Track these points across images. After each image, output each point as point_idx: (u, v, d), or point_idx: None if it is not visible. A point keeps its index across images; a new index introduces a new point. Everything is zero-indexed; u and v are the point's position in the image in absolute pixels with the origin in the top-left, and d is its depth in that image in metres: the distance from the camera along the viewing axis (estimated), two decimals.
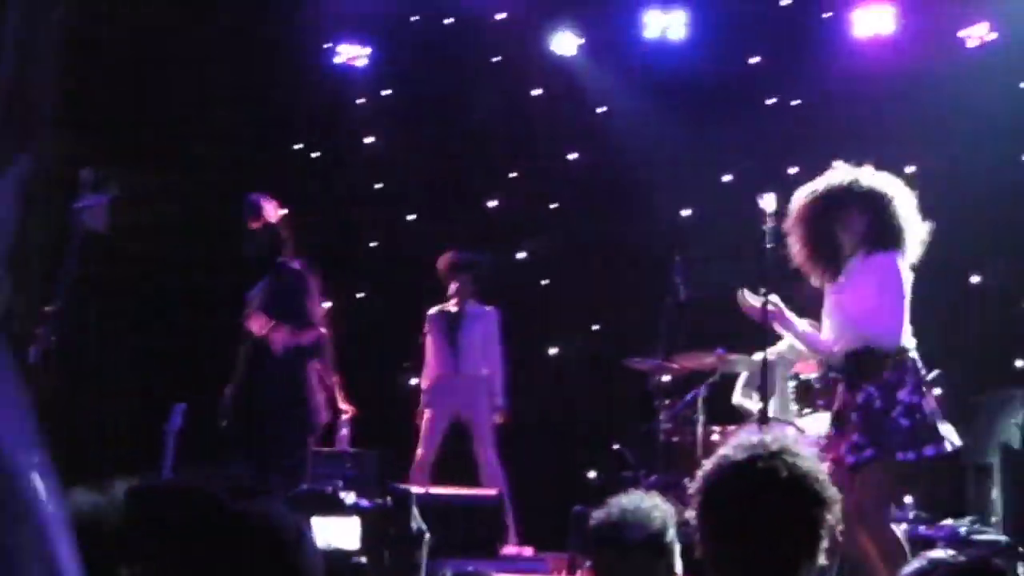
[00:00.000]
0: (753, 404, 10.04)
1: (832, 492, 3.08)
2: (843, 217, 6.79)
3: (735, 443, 3.15)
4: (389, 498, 5.86)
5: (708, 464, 3.15)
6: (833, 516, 3.05)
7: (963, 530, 9.03)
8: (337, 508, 5.88)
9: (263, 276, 8.38)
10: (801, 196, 6.97)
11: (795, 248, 6.95)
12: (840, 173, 6.90)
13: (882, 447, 6.45)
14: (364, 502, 5.93)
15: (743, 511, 3.02)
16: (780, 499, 3.01)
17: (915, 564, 4.21)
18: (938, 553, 4.40)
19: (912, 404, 6.48)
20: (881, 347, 6.61)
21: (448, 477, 10.20)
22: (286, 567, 1.85)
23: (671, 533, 4.20)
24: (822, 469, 3.13)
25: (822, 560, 3.08)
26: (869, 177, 6.84)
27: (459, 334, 10.60)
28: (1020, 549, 8.32)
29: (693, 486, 3.18)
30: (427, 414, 10.59)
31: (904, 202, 6.75)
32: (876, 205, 6.75)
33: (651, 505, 4.26)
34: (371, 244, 13.40)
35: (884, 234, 6.70)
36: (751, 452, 3.07)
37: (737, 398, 10.43)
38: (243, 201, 8.45)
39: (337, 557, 6.89)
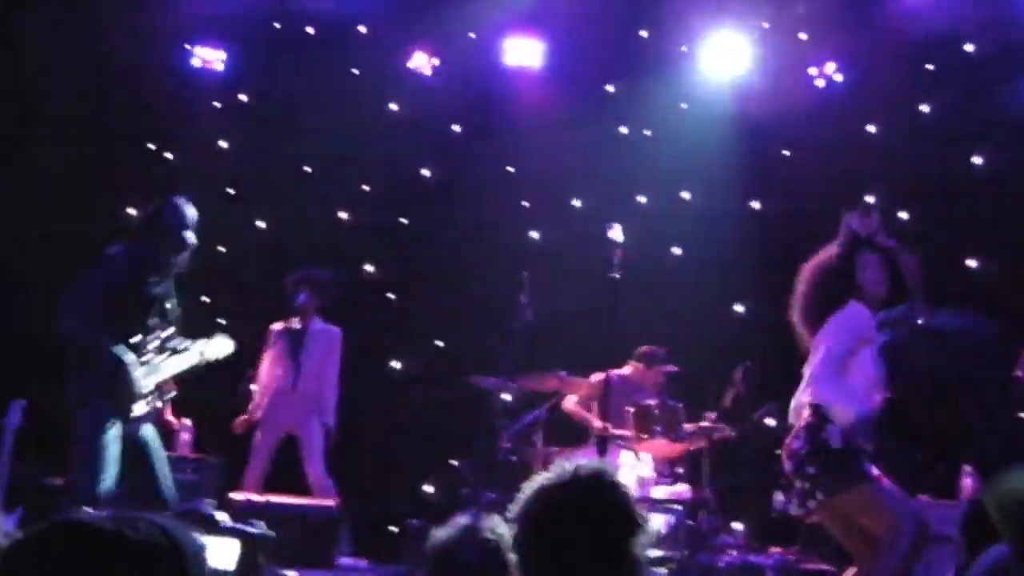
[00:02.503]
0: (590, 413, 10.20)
1: (643, 516, 3.21)
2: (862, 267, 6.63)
3: (554, 468, 3.26)
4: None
5: (526, 488, 3.26)
6: (645, 541, 3.17)
7: (792, 559, 9.24)
8: (215, 529, 5.86)
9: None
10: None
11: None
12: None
13: None
14: (243, 526, 5.90)
15: (556, 534, 3.13)
16: (591, 523, 3.12)
17: None
18: None
19: None
20: None
21: (284, 489, 10.19)
22: None
23: (506, 553, 4.25)
24: (634, 495, 3.25)
25: None
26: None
27: (302, 351, 10.56)
28: None
29: (512, 508, 3.28)
30: (259, 428, 10.55)
31: None
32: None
33: (489, 525, 4.31)
34: (219, 248, 13.30)
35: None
36: (567, 477, 3.18)
37: (570, 405, 10.54)
38: (176, 203, 7.48)
39: None
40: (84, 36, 12.41)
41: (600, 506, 3.15)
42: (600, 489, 3.17)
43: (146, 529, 1.86)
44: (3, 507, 8.10)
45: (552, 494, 3.18)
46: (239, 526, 6.67)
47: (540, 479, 3.28)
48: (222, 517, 6.95)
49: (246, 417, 10.62)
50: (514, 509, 3.27)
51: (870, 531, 6.24)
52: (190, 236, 7.47)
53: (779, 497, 6.33)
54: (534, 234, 13.03)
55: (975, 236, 12.24)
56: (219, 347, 7.88)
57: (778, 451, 6.67)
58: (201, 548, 1.92)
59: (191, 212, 7.54)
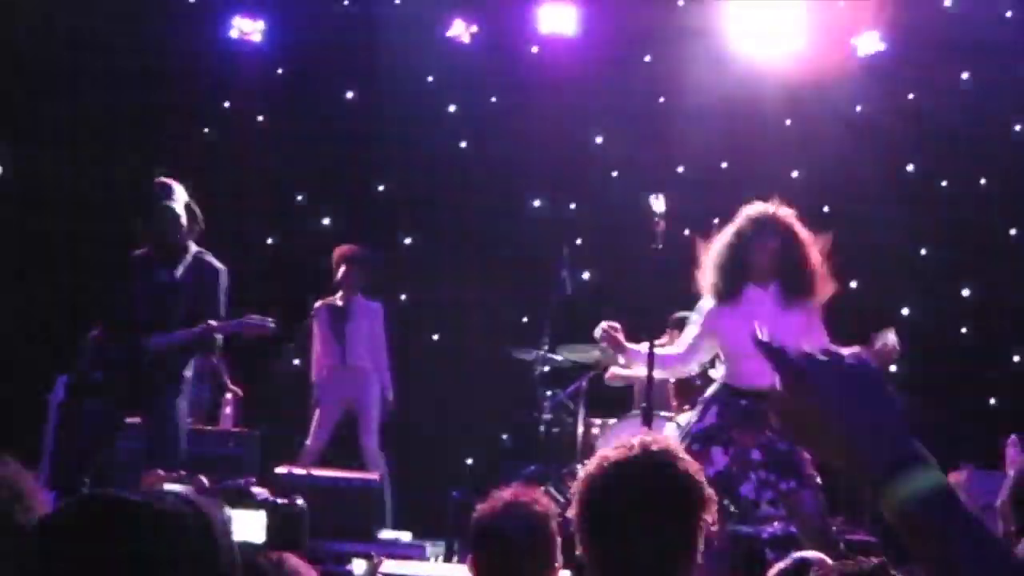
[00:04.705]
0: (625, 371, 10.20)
1: (710, 493, 3.16)
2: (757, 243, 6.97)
3: (617, 443, 3.21)
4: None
5: (590, 464, 3.22)
6: (710, 516, 3.13)
7: (834, 530, 9.18)
8: (248, 502, 5.90)
9: (170, 261, 8.09)
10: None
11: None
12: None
13: (803, 478, 6.70)
14: (272, 497, 5.94)
15: (623, 511, 3.08)
16: (659, 500, 3.08)
17: (783, 563, 4.34)
18: (806, 553, 4.54)
19: None
20: None
21: (333, 461, 10.23)
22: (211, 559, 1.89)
23: (552, 526, 4.23)
24: (700, 470, 3.20)
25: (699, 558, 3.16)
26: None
27: (345, 327, 10.58)
28: (889, 551, 8.48)
29: (575, 486, 3.24)
30: (318, 408, 10.61)
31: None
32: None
33: (532, 498, 4.29)
34: (258, 224, 13.32)
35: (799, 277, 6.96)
36: (632, 453, 3.14)
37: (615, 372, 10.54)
38: (150, 186, 8.12)
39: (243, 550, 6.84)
40: (120, 8, 12.43)
41: (669, 481, 3.11)
42: (668, 464, 3.13)
43: (172, 501, 1.89)
44: (50, 482, 8.18)
45: (620, 469, 3.14)
46: (269, 498, 6.71)
47: (605, 454, 3.24)
48: (257, 491, 7.01)
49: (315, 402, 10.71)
50: (578, 483, 3.23)
51: None
52: (161, 205, 7.97)
53: None
54: (572, 205, 12.99)
55: (1015, 205, 12.17)
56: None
57: None
58: (227, 519, 1.94)
59: (167, 185, 8.06)
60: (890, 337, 6.84)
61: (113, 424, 8.03)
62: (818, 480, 6.79)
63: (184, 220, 8.03)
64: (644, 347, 7.30)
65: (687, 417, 9.55)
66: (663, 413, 9.52)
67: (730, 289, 6.99)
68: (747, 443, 6.77)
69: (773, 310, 6.87)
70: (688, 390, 9.71)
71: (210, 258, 8.20)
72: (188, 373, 8.17)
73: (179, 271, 8.05)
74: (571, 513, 3.19)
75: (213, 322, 7.95)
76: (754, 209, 7.03)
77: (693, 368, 7.57)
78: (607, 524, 3.11)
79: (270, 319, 8.12)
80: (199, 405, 10.95)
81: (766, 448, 6.75)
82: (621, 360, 7.50)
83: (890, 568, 3.44)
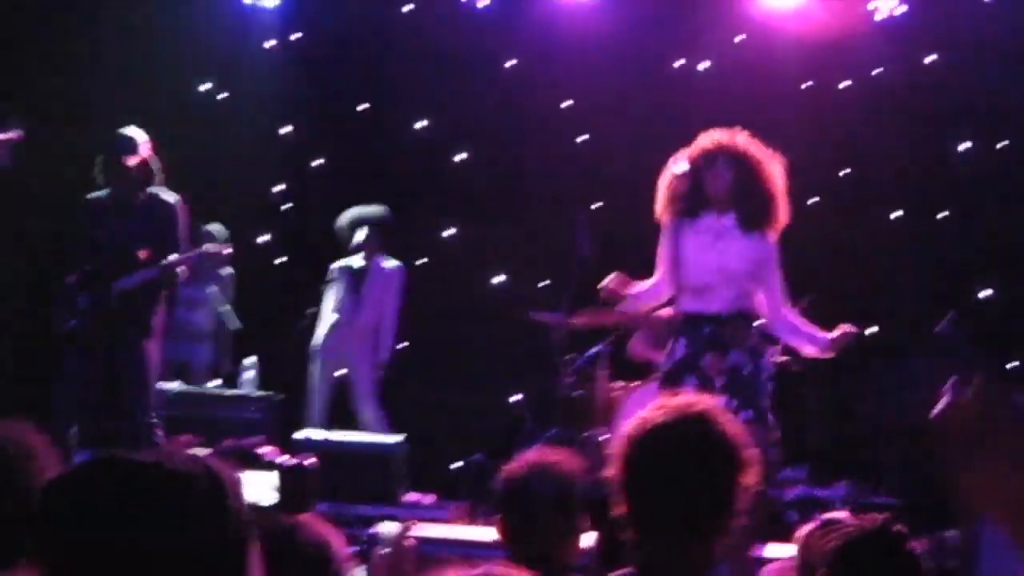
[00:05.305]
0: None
1: (751, 455, 3.15)
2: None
3: (656, 405, 3.20)
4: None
5: (630, 425, 3.20)
6: (752, 478, 3.12)
7: (859, 492, 9.22)
8: (257, 463, 5.92)
9: (125, 208, 8.46)
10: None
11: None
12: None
13: (758, 411, 6.69)
14: (283, 458, 5.96)
15: (663, 472, 3.08)
16: (701, 462, 3.08)
17: (810, 526, 4.34)
18: (834, 514, 4.53)
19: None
20: (753, 312, 6.91)
21: (349, 425, 10.27)
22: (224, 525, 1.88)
23: (579, 487, 4.25)
24: (741, 432, 3.19)
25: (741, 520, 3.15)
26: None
27: (363, 289, 10.63)
28: (909, 514, 8.50)
29: (614, 446, 3.23)
30: (318, 363, 10.64)
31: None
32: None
33: (559, 460, 4.30)
34: (275, 189, 13.30)
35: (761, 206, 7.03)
36: (673, 415, 3.13)
37: (639, 349, 10.54)
38: (114, 137, 8.45)
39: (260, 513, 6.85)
40: None
41: (710, 443, 3.10)
42: (709, 425, 3.12)
43: (183, 462, 1.88)
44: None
45: (661, 431, 3.13)
46: (280, 460, 6.74)
47: (645, 415, 3.22)
48: (266, 451, 7.05)
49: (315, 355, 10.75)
50: (618, 444, 3.22)
51: None
52: (115, 159, 8.37)
53: None
54: (592, 168, 12.93)
55: None
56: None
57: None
58: (238, 480, 1.93)
59: (128, 139, 8.45)
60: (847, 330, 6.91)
61: (95, 369, 8.33)
62: (771, 417, 6.79)
63: (136, 174, 8.36)
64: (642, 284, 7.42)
65: None
66: None
67: (688, 212, 7.06)
68: (713, 370, 6.76)
69: (729, 237, 6.95)
70: None
71: (164, 195, 8.46)
72: (157, 318, 8.43)
73: (135, 216, 8.38)
74: (609, 473, 3.18)
75: (173, 256, 8.24)
76: (707, 139, 7.09)
77: (664, 299, 7.52)
78: (646, 485, 3.11)
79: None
80: (199, 366, 11.07)
81: (730, 372, 6.75)
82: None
83: (895, 525, 3.43)
